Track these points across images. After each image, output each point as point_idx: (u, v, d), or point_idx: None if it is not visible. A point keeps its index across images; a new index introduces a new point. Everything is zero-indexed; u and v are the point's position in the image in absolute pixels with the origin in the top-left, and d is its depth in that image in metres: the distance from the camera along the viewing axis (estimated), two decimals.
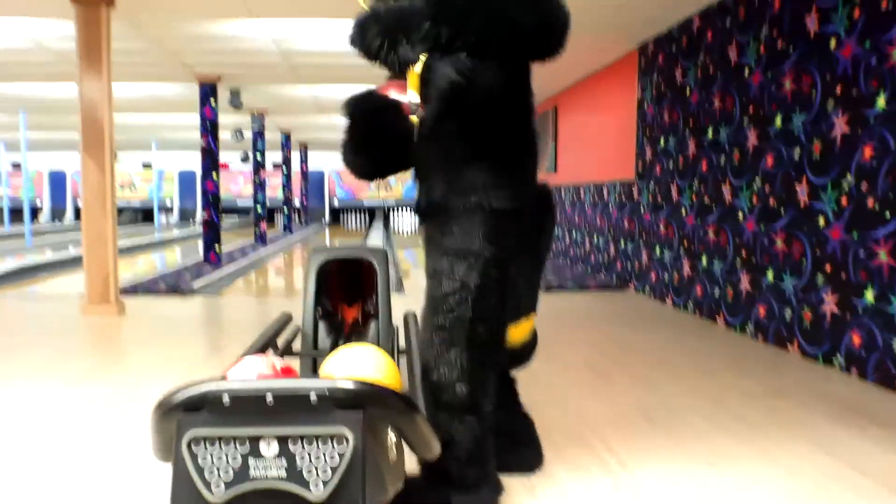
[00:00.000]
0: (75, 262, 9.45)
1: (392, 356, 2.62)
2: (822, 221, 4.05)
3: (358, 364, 2.01)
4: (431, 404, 1.98)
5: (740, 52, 4.98)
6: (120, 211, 21.34)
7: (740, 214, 4.99)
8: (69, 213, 23.94)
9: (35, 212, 23.10)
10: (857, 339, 3.75)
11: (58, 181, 24.02)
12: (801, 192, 4.24)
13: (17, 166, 21.82)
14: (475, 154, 1.98)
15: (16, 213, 20.62)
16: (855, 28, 3.77)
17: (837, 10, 3.91)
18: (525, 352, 2.28)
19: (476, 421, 2.01)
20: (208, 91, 9.30)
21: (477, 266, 1.97)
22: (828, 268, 4.00)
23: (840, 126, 3.87)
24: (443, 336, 1.99)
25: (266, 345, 2.58)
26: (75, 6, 5.53)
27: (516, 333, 2.17)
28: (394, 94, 1.96)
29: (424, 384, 2.02)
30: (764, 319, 4.69)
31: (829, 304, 3.98)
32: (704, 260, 5.55)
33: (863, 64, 3.70)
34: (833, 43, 3.95)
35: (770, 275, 4.61)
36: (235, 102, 10.05)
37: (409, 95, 1.91)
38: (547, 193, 2.22)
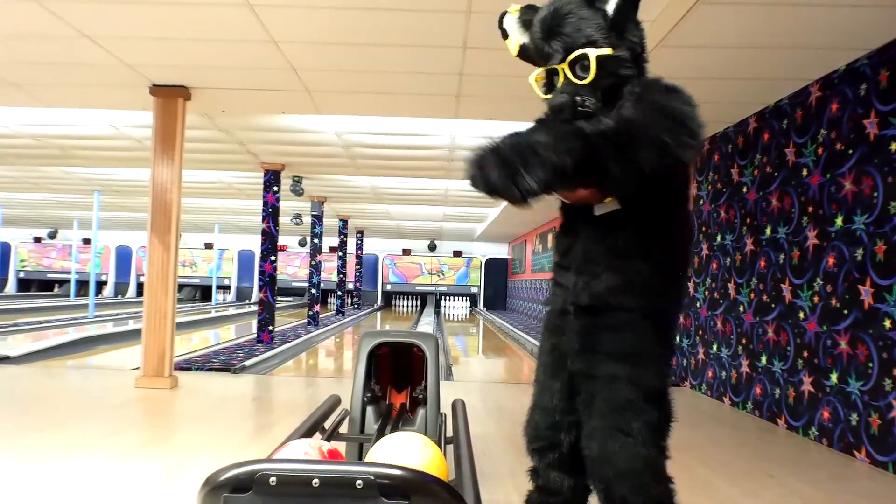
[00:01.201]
0: (134, 335, 9.71)
1: (439, 444, 2.58)
2: (887, 323, 3.91)
3: (404, 451, 2.00)
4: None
5: (798, 152, 4.97)
6: (180, 287, 21.97)
7: (801, 314, 4.85)
8: (132, 288, 24.75)
9: (100, 285, 23.96)
10: None
11: (124, 257, 24.97)
12: (865, 293, 4.12)
13: (87, 241, 22.87)
14: (648, 251, 1.89)
15: (82, 286, 21.44)
16: None
17: None
18: None
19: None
20: (272, 178, 9.69)
21: (653, 368, 1.92)
22: (895, 372, 3.82)
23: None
24: (638, 439, 1.88)
25: (314, 427, 2.58)
26: (155, 98, 5.92)
27: None
28: None
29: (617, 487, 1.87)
30: (828, 423, 4.47)
31: None
32: (764, 359, 5.37)
33: None
34: (894, 146, 3.92)
35: (834, 377, 4.42)
36: (297, 190, 10.42)
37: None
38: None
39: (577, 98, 1.85)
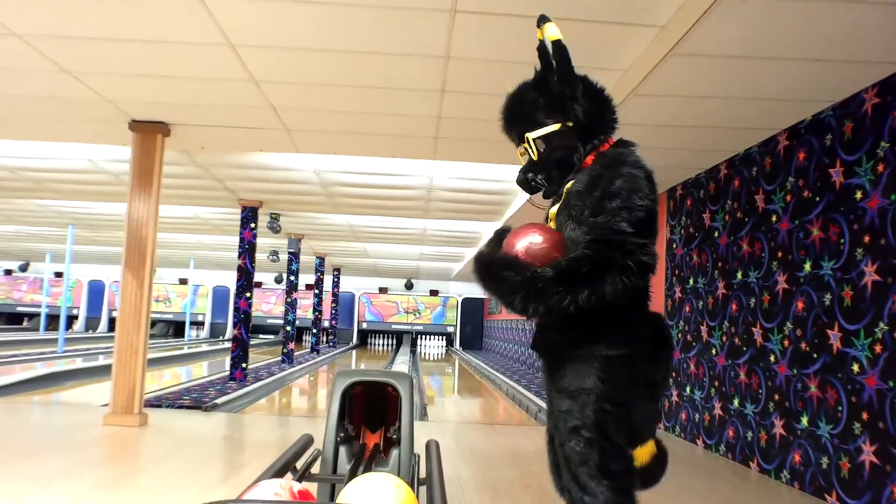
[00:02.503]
0: (104, 370, 9.53)
1: (412, 486, 2.57)
2: (855, 367, 3.98)
3: (377, 492, 1.98)
4: None
5: (767, 199, 5.10)
6: (153, 323, 21.67)
7: (772, 357, 4.92)
8: (103, 323, 24.35)
9: (70, 320, 23.55)
10: None
11: (96, 291, 24.63)
12: (834, 337, 4.20)
13: (59, 275, 22.54)
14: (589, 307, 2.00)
15: (52, 320, 21.05)
16: (880, 182, 3.87)
17: (861, 164, 4.04)
18: (650, 471, 2.26)
19: None
20: (249, 215, 9.69)
21: (591, 403, 2.03)
22: (864, 416, 3.88)
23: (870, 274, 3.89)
24: (581, 470, 2.04)
25: (285, 467, 2.55)
26: (133, 134, 5.92)
27: (639, 456, 2.18)
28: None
29: None
30: (799, 466, 4.50)
31: (868, 454, 3.83)
32: (736, 401, 5.41)
33: (889, 216, 3.77)
34: (859, 194, 4.04)
35: (805, 420, 4.47)
36: (274, 227, 10.41)
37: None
38: (662, 327, 2.23)
39: (528, 176, 2.22)
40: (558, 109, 2.15)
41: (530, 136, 2.16)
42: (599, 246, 1.92)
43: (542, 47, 2.20)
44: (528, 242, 2.04)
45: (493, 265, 2.01)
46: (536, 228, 2.09)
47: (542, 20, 2.19)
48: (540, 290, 1.91)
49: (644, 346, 2.12)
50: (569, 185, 2.14)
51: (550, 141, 2.15)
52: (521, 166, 2.28)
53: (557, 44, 2.14)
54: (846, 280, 4.11)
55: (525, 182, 2.24)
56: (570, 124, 2.15)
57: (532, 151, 2.18)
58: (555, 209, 2.19)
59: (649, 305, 2.18)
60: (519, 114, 2.22)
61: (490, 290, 2.02)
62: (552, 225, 2.18)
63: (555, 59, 2.15)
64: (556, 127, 2.15)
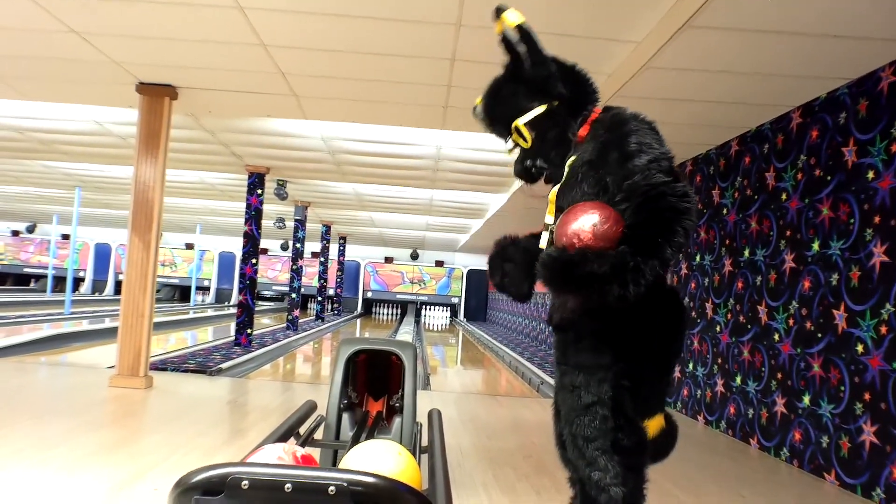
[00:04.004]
0: (110, 333, 9.61)
1: (414, 453, 2.59)
2: (860, 348, 3.97)
3: (378, 459, 2.00)
4: None
5: (778, 177, 5.05)
6: (159, 287, 21.78)
7: (776, 336, 4.91)
8: (110, 286, 24.48)
9: (77, 282, 23.68)
10: None
11: (102, 254, 24.71)
12: (839, 317, 4.19)
13: (66, 237, 22.61)
14: None
15: (59, 282, 21.18)
16: (892, 162, 3.83)
17: (874, 144, 3.99)
18: (660, 445, 2.27)
19: None
20: (256, 181, 9.66)
21: (609, 379, 2.01)
22: (867, 396, 3.88)
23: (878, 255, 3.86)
24: (592, 445, 2.02)
25: (288, 432, 2.57)
26: (141, 96, 5.89)
27: (649, 428, 2.19)
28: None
29: (583, 495, 2.08)
30: (799, 445, 4.52)
31: (869, 434, 3.84)
32: (738, 379, 5.43)
33: None
34: (871, 174, 4.00)
35: (806, 399, 4.48)
36: (281, 193, 10.39)
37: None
38: (676, 299, 2.22)
39: (527, 164, 2.18)
40: (540, 91, 2.13)
41: (519, 122, 2.13)
42: (652, 203, 1.85)
43: (504, 39, 2.14)
44: (591, 225, 1.85)
45: (572, 262, 1.82)
46: (588, 207, 1.92)
47: (499, 11, 2.12)
48: (633, 270, 1.79)
49: (661, 320, 2.10)
50: (571, 160, 2.10)
51: (540, 124, 2.13)
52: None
53: (521, 28, 2.08)
54: (854, 260, 4.09)
55: (526, 171, 2.20)
56: (556, 103, 2.13)
57: (524, 139, 2.15)
58: (555, 190, 2.13)
59: (668, 279, 2.17)
60: (500, 107, 2.19)
61: (576, 289, 1.85)
62: (552, 207, 2.14)
63: (523, 43, 2.10)
64: (543, 108, 2.12)
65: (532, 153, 2.17)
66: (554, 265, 1.84)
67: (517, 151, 2.22)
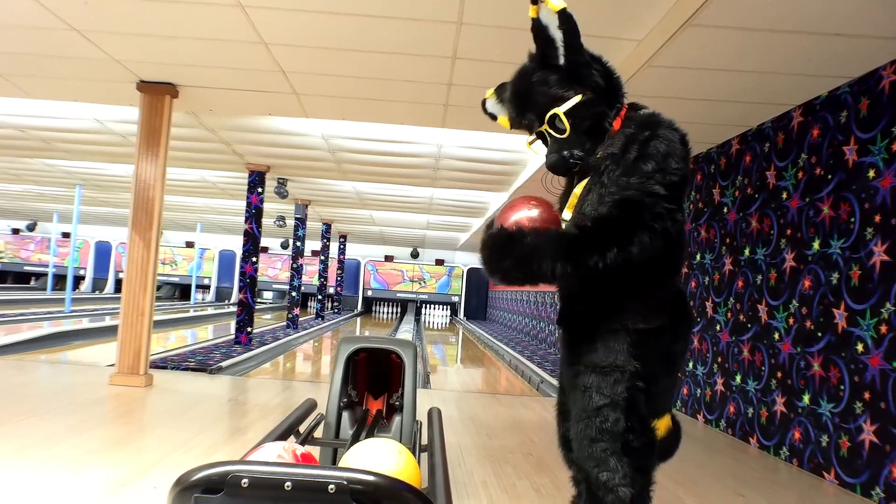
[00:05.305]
0: (110, 331, 9.61)
1: (414, 452, 2.59)
2: (860, 347, 3.97)
3: (378, 457, 2.00)
4: None
5: (778, 175, 5.05)
6: (159, 286, 21.79)
7: (776, 335, 4.91)
8: (110, 284, 24.48)
9: (77, 280, 23.68)
10: None
11: (103, 252, 24.71)
12: (839, 316, 4.19)
13: (66, 235, 22.61)
14: (618, 277, 1.97)
15: (59, 280, 21.19)
16: (893, 161, 3.82)
17: (875, 143, 3.98)
18: (667, 444, 2.28)
19: None
20: (257, 179, 9.66)
21: (623, 380, 2.00)
22: (867, 395, 3.88)
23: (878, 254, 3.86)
24: (601, 446, 2.01)
25: (288, 430, 2.57)
26: (142, 94, 5.88)
27: (657, 428, 2.19)
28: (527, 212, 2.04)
29: (588, 495, 2.05)
30: (799, 444, 4.52)
31: (868, 434, 3.84)
32: (738, 378, 5.43)
33: None
34: (872, 173, 4.00)
35: (806, 398, 4.48)
36: (282, 192, 10.38)
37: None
38: (683, 301, 2.21)
39: (565, 154, 2.07)
40: (574, 80, 2.06)
41: (559, 110, 2.04)
42: (629, 206, 1.87)
43: (537, 24, 2.06)
44: (525, 216, 1.97)
45: (512, 236, 1.91)
46: (529, 202, 2.03)
47: None
48: (568, 248, 1.85)
49: (669, 320, 2.09)
50: (598, 153, 2.05)
51: (576, 113, 2.05)
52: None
53: (563, 13, 2.01)
54: (854, 259, 4.08)
55: (562, 161, 2.08)
56: (590, 93, 2.06)
57: (557, 129, 2.07)
58: (581, 184, 2.08)
59: (680, 278, 2.16)
60: (533, 95, 2.09)
61: (511, 260, 1.90)
62: (573, 201, 2.10)
63: (562, 28, 2.02)
64: (579, 97, 2.05)
65: (568, 143, 2.07)
66: (494, 235, 1.94)
67: (538, 144, 2.16)
